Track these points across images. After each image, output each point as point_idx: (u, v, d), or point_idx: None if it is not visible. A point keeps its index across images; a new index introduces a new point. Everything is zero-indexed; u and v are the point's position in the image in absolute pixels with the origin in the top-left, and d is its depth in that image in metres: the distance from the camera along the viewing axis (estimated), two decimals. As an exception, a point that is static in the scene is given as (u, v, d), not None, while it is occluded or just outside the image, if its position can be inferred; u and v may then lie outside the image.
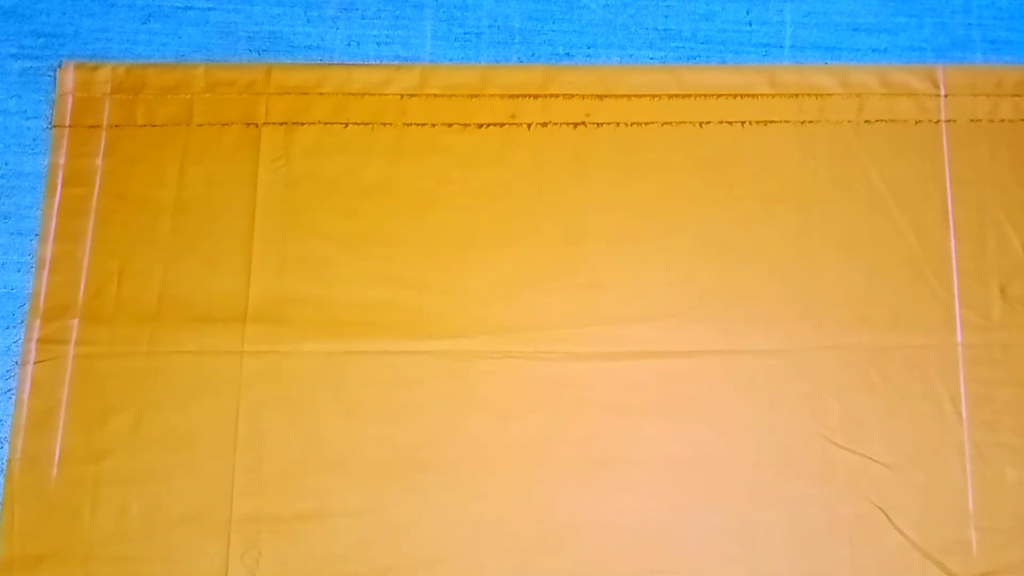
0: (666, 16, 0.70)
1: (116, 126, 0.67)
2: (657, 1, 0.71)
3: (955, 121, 0.67)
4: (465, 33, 0.70)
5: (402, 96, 0.68)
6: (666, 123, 0.67)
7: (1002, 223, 0.65)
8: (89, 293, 0.64)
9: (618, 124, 0.67)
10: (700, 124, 0.67)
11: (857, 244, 0.65)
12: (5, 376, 0.63)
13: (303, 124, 0.67)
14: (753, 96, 0.68)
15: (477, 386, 0.63)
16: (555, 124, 0.67)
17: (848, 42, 0.69)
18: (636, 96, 0.68)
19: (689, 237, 0.65)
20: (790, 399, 0.62)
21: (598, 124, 0.67)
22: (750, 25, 0.70)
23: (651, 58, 0.69)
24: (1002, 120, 0.67)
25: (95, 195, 0.66)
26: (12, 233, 0.66)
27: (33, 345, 0.63)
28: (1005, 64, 0.69)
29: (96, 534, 0.60)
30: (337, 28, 0.70)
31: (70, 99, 0.68)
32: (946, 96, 0.67)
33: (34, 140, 0.67)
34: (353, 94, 0.68)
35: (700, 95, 0.68)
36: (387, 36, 0.70)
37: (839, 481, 0.61)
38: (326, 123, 0.67)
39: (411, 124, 0.67)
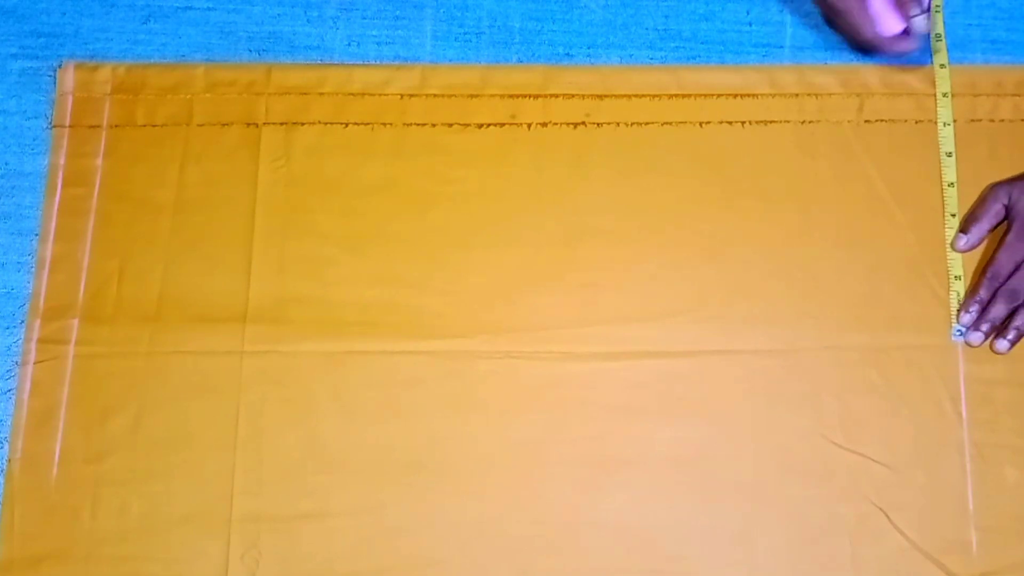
0: (666, 16, 0.70)
1: (116, 126, 0.67)
2: (657, 1, 0.71)
3: (955, 121, 0.67)
4: (465, 33, 0.70)
5: (402, 96, 0.68)
6: (666, 123, 0.67)
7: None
8: (89, 293, 0.64)
9: (618, 124, 0.67)
10: (700, 124, 0.67)
11: (857, 244, 0.65)
12: (5, 376, 0.63)
13: (303, 124, 0.67)
14: (753, 96, 0.68)
15: (477, 386, 0.63)
16: (555, 124, 0.67)
17: (848, 42, 0.70)
18: (636, 96, 0.68)
19: (689, 237, 0.65)
20: (790, 399, 0.62)
21: (598, 124, 0.67)
22: (750, 25, 0.70)
23: (651, 58, 0.69)
24: (1002, 120, 0.67)
25: (95, 195, 0.66)
26: (12, 233, 0.66)
27: (33, 345, 0.63)
28: (1005, 64, 0.69)
29: (96, 534, 0.60)
30: (337, 28, 0.70)
31: (70, 99, 0.68)
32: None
33: (34, 140, 0.67)
34: (353, 94, 0.68)
35: (700, 95, 0.68)
36: (387, 36, 0.70)
37: (839, 481, 0.61)
38: (326, 123, 0.67)
39: (411, 124, 0.67)
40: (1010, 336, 0.62)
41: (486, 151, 0.67)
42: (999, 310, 0.62)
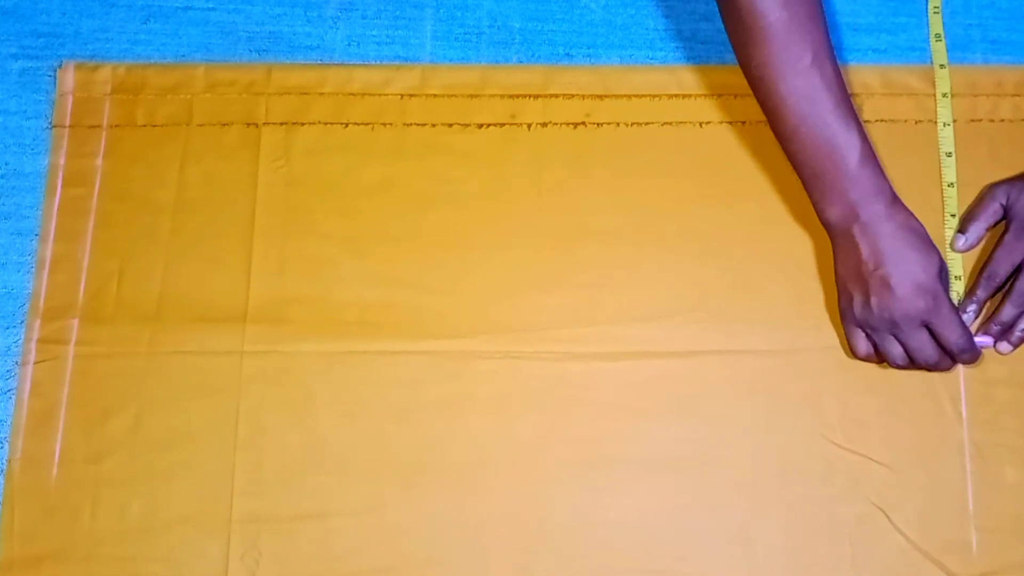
0: (666, 16, 0.70)
1: (116, 126, 0.67)
2: (657, 1, 0.71)
3: (955, 121, 0.67)
4: (465, 33, 0.70)
5: (402, 96, 0.68)
6: (666, 123, 0.67)
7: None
8: (89, 293, 0.64)
9: (618, 124, 0.67)
10: (700, 124, 0.67)
11: (857, 244, 0.65)
12: (5, 376, 0.63)
13: (303, 124, 0.67)
14: (753, 96, 0.67)
15: (477, 386, 0.63)
16: (555, 124, 0.67)
17: (848, 42, 0.69)
18: (636, 96, 0.68)
19: (689, 237, 0.65)
20: (790, 399, 0.62)
21: (598, 124, 0.67)
22: (750, 25, 0.70)
23: (651, 58, 0.69)
24: (1002, 120, 0.67)
25: (95, 195, 0.66)
26: (12, 233, 0.66)
27: (33, 345, 0.63)
28: (1005, 64, 0.69)
29: (96, 534, 0.60)
30: (337, 28, 0.70)
31: (70, 99, 0.68)
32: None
33: (34, 140, 0.67)
34: (353, 94, 0.68)
35: (700, 95, 0.68)
36: (387, 36, 0.70)
37: (839, 481, 0.61)
38: (326, 123, 0.67)
39: (411, 124, 0.67)
40: (1014, 338, 0.62)
41: (486, 151, 0.67)
42: (1009, 312, 0.62)
